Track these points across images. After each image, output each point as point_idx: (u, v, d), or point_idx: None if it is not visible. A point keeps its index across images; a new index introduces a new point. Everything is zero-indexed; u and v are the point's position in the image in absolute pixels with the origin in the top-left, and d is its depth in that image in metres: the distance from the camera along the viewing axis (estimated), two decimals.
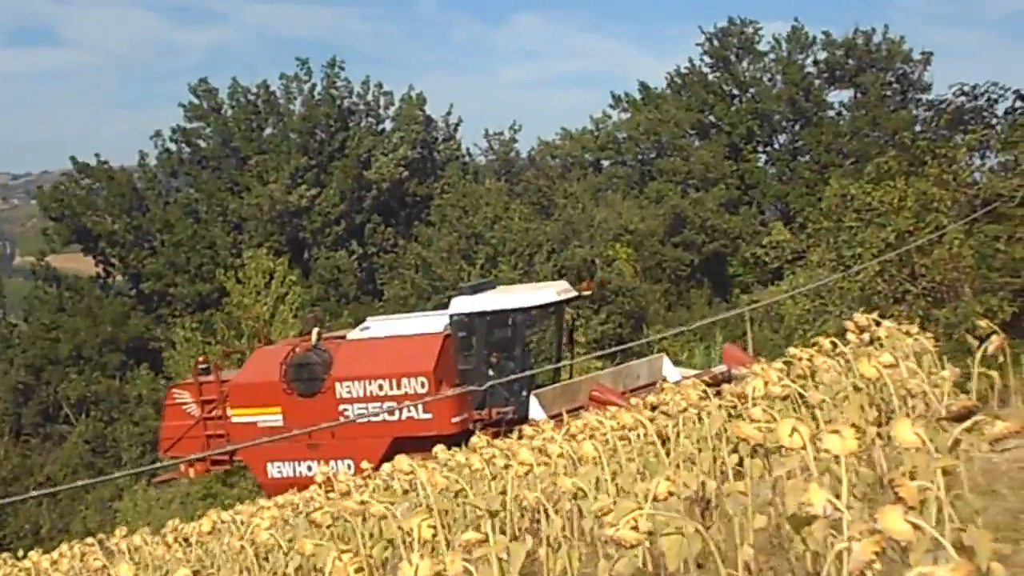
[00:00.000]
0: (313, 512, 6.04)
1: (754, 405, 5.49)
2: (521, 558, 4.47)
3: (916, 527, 2.98)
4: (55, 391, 45.61)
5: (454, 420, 19.51)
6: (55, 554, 13.12)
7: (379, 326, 21.81)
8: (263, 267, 39.38)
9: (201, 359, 24.73)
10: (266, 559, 6.77)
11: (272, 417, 21.24)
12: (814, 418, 6.22)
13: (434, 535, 4.47)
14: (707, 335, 35.42)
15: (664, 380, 15.55)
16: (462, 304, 20.48)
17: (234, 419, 21.89)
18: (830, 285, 24.45)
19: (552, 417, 16.27)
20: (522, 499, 5.73)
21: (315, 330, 22.04)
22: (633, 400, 12.08)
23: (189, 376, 23.58)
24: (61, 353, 45.66)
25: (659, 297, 43.08)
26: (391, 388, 20.08)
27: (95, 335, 45.35)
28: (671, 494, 4.07)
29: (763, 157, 51.11)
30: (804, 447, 3.95)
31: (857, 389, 6.35)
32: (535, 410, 18.21)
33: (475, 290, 21.44)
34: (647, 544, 3.42)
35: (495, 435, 15.10)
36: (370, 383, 20.27)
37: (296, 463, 20.88)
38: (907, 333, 7.95)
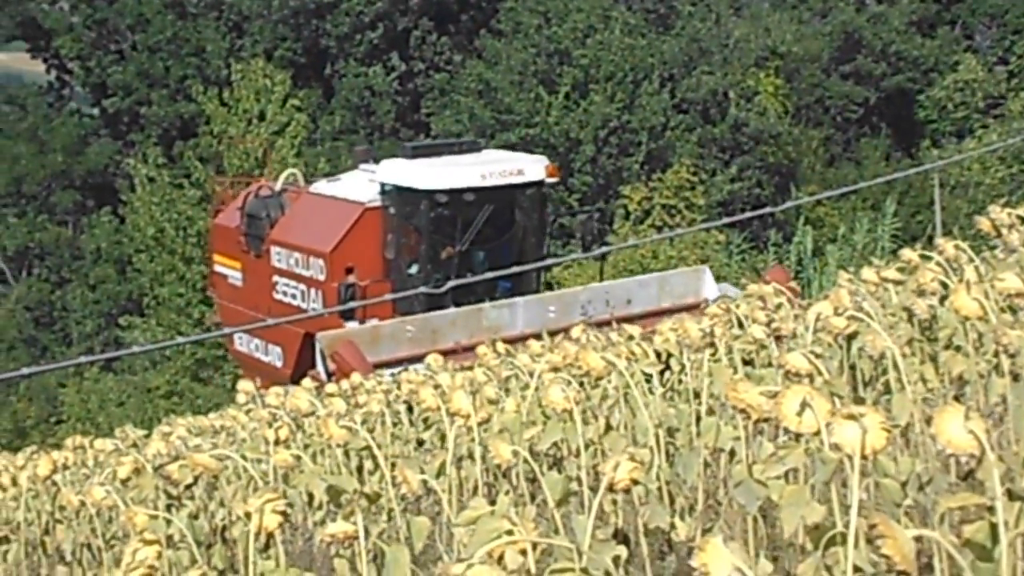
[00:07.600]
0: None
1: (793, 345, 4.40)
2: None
3: None
4: None
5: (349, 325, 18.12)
6: None
7: (351, 179, 19.43)
8: (257, 85, 33.45)
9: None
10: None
11: (236, 274, 20.47)
12: (866, 384, 4.55)
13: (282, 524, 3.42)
14: (880, 201, 29.96)
15: (704, 302, 13.07)
16: (388, 171, 17.97)
17: (216, 266, 21.35)
18: None
19: (330, 375, 14.36)
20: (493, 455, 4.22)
21: (288, 172, 20.90)
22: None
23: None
24: None
25: (816, 147, 36.66)
26: (302, 267, 18.62)
27: (40, 165, 40.57)
28: (635, 482, 3.12)
29: None
30: (817, 433, 2.73)
31: (930, 338, 4.65)
32: (318, 360, 15.91)
33: (425, 152, 18.81)
34: None
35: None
36: (292, 255, 18.84)
37: (250, 339, 19.95)
38: None
